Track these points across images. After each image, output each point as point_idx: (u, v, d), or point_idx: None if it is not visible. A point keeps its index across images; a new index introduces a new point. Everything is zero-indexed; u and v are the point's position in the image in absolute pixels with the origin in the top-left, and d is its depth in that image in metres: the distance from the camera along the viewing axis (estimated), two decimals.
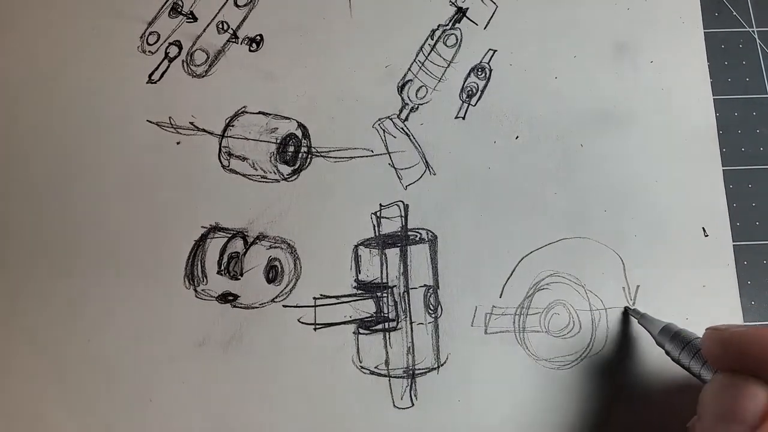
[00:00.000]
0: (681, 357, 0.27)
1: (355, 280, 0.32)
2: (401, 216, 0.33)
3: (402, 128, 0.34)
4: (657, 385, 0.30)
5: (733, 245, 0.33)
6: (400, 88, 0.34)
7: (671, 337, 0.28)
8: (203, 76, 0.35)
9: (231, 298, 0.31)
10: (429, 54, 0.35)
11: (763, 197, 0.34)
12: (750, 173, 0.34)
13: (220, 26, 0.36)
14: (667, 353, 0.28)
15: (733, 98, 0.35)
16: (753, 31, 0.36)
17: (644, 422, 0.30)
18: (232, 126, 0.34)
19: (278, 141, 0.34)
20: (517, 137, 0.34)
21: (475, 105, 0.34)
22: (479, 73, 0.35)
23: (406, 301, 0.32)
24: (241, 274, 0.32)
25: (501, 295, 0.32)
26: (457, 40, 0.35)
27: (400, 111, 0.34)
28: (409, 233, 0.32)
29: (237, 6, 0.36)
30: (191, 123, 0.34)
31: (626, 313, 0.31)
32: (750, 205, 0.33)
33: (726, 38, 0.36)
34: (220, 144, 0.34)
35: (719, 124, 0.34)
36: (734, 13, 0.37)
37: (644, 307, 0.31)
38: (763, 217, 0.33)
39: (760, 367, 0.21)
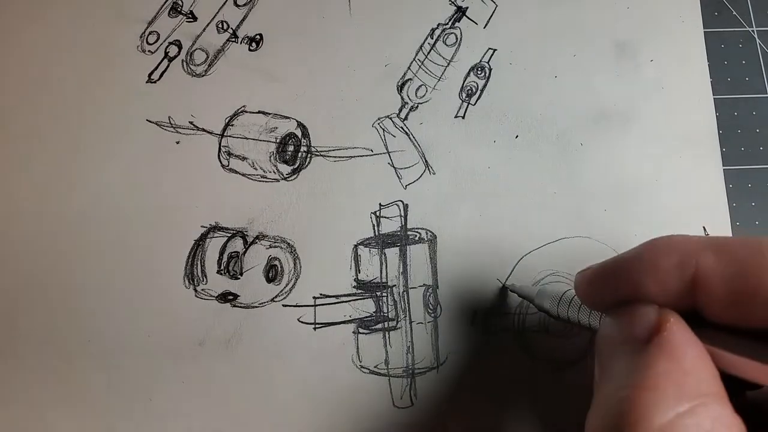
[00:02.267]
0: (560, 310, 0.26)
1: (354, 280, 0.32)
2: (401, 215, 0.33)
3: (401, 127, 0.34)
4: None
5: None
6: (400, 87, 0.34)
7: (545, 296, 0.27)
8: (203, 76, 0.35)
9: (231, 297, 0.31)
10: (429, 53, 0.35)
11: (763, 197, 0.34)
12: (750, 173, 0.34)
13: (220, 26, 0.36)
14: (549, 314, 0.27)
15: (733, 98, 0.35)
16: (753, 31, 0.36)
17: None
18: (232, 125, 0.34)
19: (278, 140, 0.34)
20: (516, 136, 0.34)
21: (474, 104, 0.34)
22: (479, 72, 0.35)
23: (406, 300, 0.32)
24: (241, 274, 0.32)
25: (500, 294, 0.32)
26: (456, 39, 0.35)
27: (400, 110, 0.34)
28: (409, 233, 0.32)
29: (237, 5, 0.36)
30: (191, 122, 0.34)
31: (504, 291, 0.31)
32: (750, 205, 0.33)
33: (726, 38, 0.36)
34: (220, 143, 0.34)
35: (719, 124, 0.34)
36: (734, 13, 0.37)
37: None
38: (763, 217, 0.33)
39: (631, 288, 0.20)
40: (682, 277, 0.19)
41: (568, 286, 0.27)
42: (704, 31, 0.36)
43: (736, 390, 0.18)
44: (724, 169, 0.34)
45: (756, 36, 0.36)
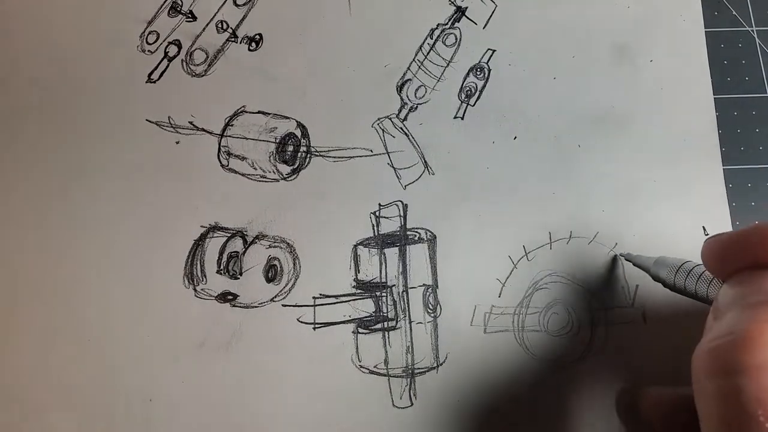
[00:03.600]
0: (677, 279, 0.27)
1: (354, 280, 0.32)
2: (400, 215, 0.33)
3: (401, 128, 0.34)
4: (657, 384, 0.30)
5: None
6: (399, 88, 0.34)
7: (663, 264, 0.27)
8: (202, 76, 0.35)
9: (230, 297, 0.32)
10: (428, 53, 0.35)
11: (763, 197, 0.34)
12: (750, 172, 0.34)
13: (220, 25, 0.36)
14: (664, 283, 0.28)
15: (733, 97, 0.35)
16: (752, 31, 0.36)
17: None
18: (232, 125, 0.34)
19: (277, 140, 0.34)
20: (515, 137, 0.34)
21: (473, 105, 0.34)
22: (478, 73, 0.35)
23: (406, 300, 0.32)
24: (241, 274, 0.32)
25: (500, 294, 0.32)
26: (456, 39, 0.35)
27: (399, 111, 0.34)
28: (408, 233, 0.32)
29: (236, 5, 0.36)
30: (190, 122, 0.34)
31: (614, 261, 0.32)
32: (750, 205, 0.33)
33: (725, 37, 0.36)
34: (220, 143, 0.34)
35: (718, 123, 0.34)
36: (734, 13, 0.37)
37: (644, 305, 0.31)
38: (763, 216, 0.33)
39: (759, 256, 0.20)
40: None
41: (684, 259, 0.27)
42: (704, 31, 0.36)
43: None
44: (724, 169, 0.34)
45: (756, 36, 0.36)
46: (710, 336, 0.18)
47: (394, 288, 0.32)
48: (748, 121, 0.35)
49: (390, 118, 0.34)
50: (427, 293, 0.32)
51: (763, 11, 0.37)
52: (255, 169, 0.33)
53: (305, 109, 0.34)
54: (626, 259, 0.31)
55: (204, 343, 0.31)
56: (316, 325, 0.31)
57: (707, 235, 0.32)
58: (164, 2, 0.36)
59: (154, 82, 0.35)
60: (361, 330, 0.31)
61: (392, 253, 0.32)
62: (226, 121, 0.34)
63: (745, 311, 0.18)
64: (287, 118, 0.34)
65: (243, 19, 0.36)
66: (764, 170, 0.34)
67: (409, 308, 0.32)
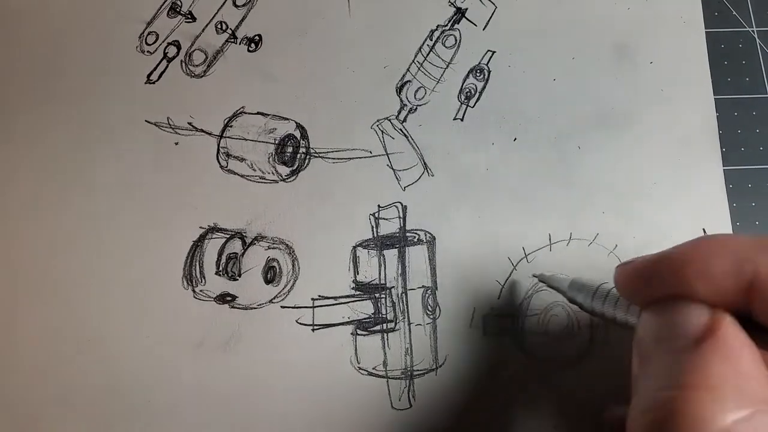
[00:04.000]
0: (594, 304, 0.25)
1: (353, 281, 0.32)
2: (399, 217, 0.33)
3: (400, 129, 0.34)
4: None
5: None
6: (399, 89, 0.34)
7: (578, 288, 0.27)
8: (202, 77, 0.35)
9: (229, 298, 0.32)
10: (428, 55, 0.35)
11: (763, 197, 0.34)
12: (750, 173, 0.34)
13: (219, 26, 0.36)
14: (581, 307, 0.27)
15: (733, 98, 0.35)
16: (753, 31, 0.36)
17: None
18: (231, 126, 0.34)
19: (277, 141, 0.34)
20: (515, 139, 0.34)
21: (473, 106, 0.34)
22: (478, 75, 0.35)
23: (405, 302, 0.32)
24: (240, 275, 0.32)
25: (499, 296, 0.32)
26: (455, 41, 0.35)
27: (399, 112, 0.34)
28: (408, 234, 0.32)
29: (236, 6, 0.36)
30: (189, 123, 0.34)
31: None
32: (750, 205, 0.33)
33: (726, 38, 0.36)
34: (219, 144, 0.34)
35: (719, 124, 0.34)
36: (734, 13, 0.37)
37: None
38: (763, 216, 0.33)
39: (679, 288, 0.19)
40: (738, 281, 0.18)
41: (601, 280, 0.26)
42: (704, 31, 0.36)
43: None
44: (724, 170, 0.34)
45: (756, 36, 0.36)
46: (642, 399, 0.18)
47: (393, 289, 0.32)
48: (748, 121, 0.35)
49: (389, 120, 0.34)
50: (427, 295, 0.32)
51: (763, 11, 0.36)
52: (254, 170, 0.33)
53: (304, 110, 0.34)
54: (540, 280, 0.30)
55: (203, 344, 0.31)
56: (315, 327, 0.31)
57: None
58: (163, 3, 0.36)
59: (154, 82, 0.35)
60: (360, 332, 0.31)
61: (391, 254, 0.32)
62: (225, 122, 0.34)
63: (672, 368, 0.17)
64: (286, 119, 0.34)
65: (242, 20, 0.36)
66: (765, 171, 0.34)
67: (408, 310, 0.31)
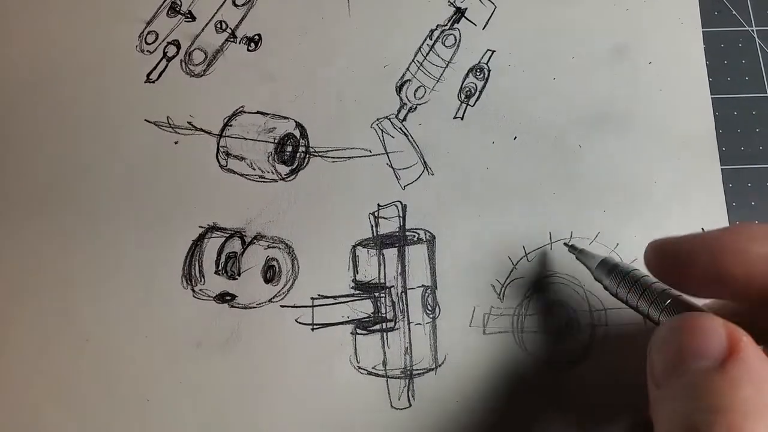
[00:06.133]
0: (619, 291, 0.26)
1: (352, 281, 0.32)
2: (399, 216, 0.33)
3: (400, 128, 0.34)
4: None
5: None
6: (399, 88, 0.34)
7: (608, 270, 0.27)
8: (201, 76, 0.35)
9: (228, 298, 0.31)
10: (427, 54, 0.35)
11: (762, 196, 0.34)
12: (749, 172, 0.34)
13: (219, 26, 0.36)
14: (606, 289, 0.27)
15: (733, 97, 0.35)
16: (752, 30, 0.36)
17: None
18: (230, 126, 0.34)
19: (276, 141, 0.34)
20: (515, 138, 0.34)
21: (473, 105, 0.34)
22: (478, 74, 0.35)
23: (404, 301, 0.31)
24: (239, 274, 0.32)
25: (499, 295, 0.32)
26: (455, 40, 0.35)
27: (399, 111, 0.34)
28: (407, 233, 0.32)
29: (235, 5, 0.36)
30: (189, 122, 0.34)
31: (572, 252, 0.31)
32: (750, 205, 0.33)
33: (725, 37, 0.36)
34: (218, 144, 0.34)
35: (718, 123, 0.34)
36: (733, 12, 0.37)
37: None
38: (763, 216, 0.33)
39: (712, 268, 0.20)
40: None
41: (631, 266, 0.26)
42: (704, 31, 0.36)
43: None
44: (723, 169, 0.34)
45: (755, 36, 0.36)
46: (672, 423, 0.18)
47: (392, 289, 0.32)
48: (748, 121, 0.35)
49: (389, 119, 0.34)
50: (426, 294, 0.32)
51: (763, 11, 0.37)
52: (254, 169, 0.33)
53: (304, 109, 0.34)
54: (570, 251, 0.30)
55: (202, 343, 0.31)
56: (315, 326, 0.31)
57: None
58: (163, 2, 0.36)
59: (153, 82, 0.35)
60: (359, 331, 0.31)
61: (391, 253, 0.32)
62: (225, 121, 0.34)
63: (700, 390, 0.18)
64: (286, 118, 0.34)
65: (242, 20, 0.36)
66: (764, 170, 0.34)
67: (407, 309, 0.31)
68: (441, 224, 0.32)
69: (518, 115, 0.34)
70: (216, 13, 0.36)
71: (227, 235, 0.32)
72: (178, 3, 0.36)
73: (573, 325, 0.31)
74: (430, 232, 0.32)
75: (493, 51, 0.35)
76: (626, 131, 0.34)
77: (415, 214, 0.33)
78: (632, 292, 0.25)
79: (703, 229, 0.32)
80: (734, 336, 0.18)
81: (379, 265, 0.32)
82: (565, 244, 0.31)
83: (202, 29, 0.36)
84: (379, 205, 0.33)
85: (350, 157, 0.33)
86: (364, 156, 0.33)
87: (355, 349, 0.31)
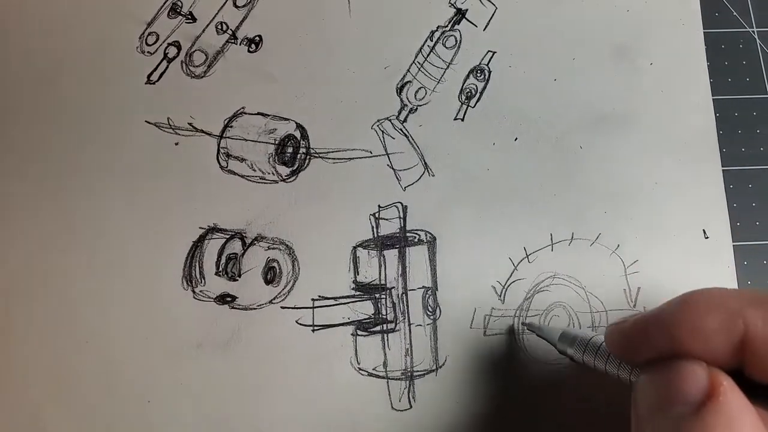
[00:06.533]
0: (585, 359, 0.26)
1: (353, 282, 0.32)
2: (400, 217, 0.33)
3: (401, 129, 0.34)
4: None
5: (733, 245, 0.32)
6: (399, 90, 0.34)
7: (570, 341, 0.27)
8: (202, 77, 0.35)
9: (229, 299, 0.31)
10: (428, 55, 0.35)
11: (763, 197, 0.34)
12: (750, 173, 0.34)
13: (219, 27, 0.36)
14: (572, 359, 0.27)
15: (733, 98, 0.35)
16: (753, 31, 0.36)
17: None
18: (231, 127, 0.34)
19: (277, 142, 0.34)
20: (516, 139, 0.34)
21: (474, 106, 0.34)
22: (478, 75, 0.35)
23: (405, 302, 0.31)
24: (239, 275, 0.32)
25: (500, 296, 0.32)
26: (456, 41, 0.35)
27: (399, 112, 0.34)
28: (408, 234, 0.32)
29: (236, 7, 0.36)
30: (190, 124, 0.34)
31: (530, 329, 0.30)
32: (750, 205, 0.33)
33: (726, 38, 0.36)
34: (219, 145, 0.34)
35: (719, 124, 0.34)
36: (734, 13, 0.37)
37: (645, 308, 0.31)
38: (763, 217, 0.33)
39: (671, 347, 0.19)
40: (730, 338, 0.18)
41: (591, 333, 0.26)
42: (704, 32, 0.36)
43: None
44: (724, 170, 0.34)
45: (756, 36, 0.36)
46: None
47: (393, 290, 0.32)
48: (748, 122, 0.35)
49: (390, 120, 0.34)
50: (427, 295, 0.32)
51: (763, 12, 0.37)
52: (254, 170, 0.33)
53: (305, 110, 0.34)
54: (528, 329, 0.30)
55: (202, 344, 0.31)
56: (315, 327, 0.31)
57: (707, 238, 0.32)
58: (164, 3, 0.36)
59: (154, 83, 0.35)
60: (360, 332, 0.31)
61: (392, 254, 0.32)
62: (226, 122, 0.34)
63: None
64: (287, 119, 0.34)
65: (243, 21, 0.36)
66: (765, 171, 0.34)
67: (408, 310, 0.31)
68: (442, 225, 0.32)
69: (519, 116, 0.34)
70: (217, 14, 0.36)
71: (228, 237, 0.32)
72: (179, 4, 0.36)
73: (573, 325, 0.31)
74: (430, 233, 0.32)
75: (494, 52, 0.35)
76: (627, 132, 0.34)
77: (415, 215, 0.33)
78: (598, 357, 0.25)
79: (704, 231, 0.32)
80: (714, 379, 0.18)
81: (380, 266, 0.32)
82: (522, 323, 0.31)
83: (203, 30, 0.36)
84: (379, 206, 0.33)
85: (351, 158, 0.33)
86: (365, 157, 0.33)
87: (356, 350, 0.31)
